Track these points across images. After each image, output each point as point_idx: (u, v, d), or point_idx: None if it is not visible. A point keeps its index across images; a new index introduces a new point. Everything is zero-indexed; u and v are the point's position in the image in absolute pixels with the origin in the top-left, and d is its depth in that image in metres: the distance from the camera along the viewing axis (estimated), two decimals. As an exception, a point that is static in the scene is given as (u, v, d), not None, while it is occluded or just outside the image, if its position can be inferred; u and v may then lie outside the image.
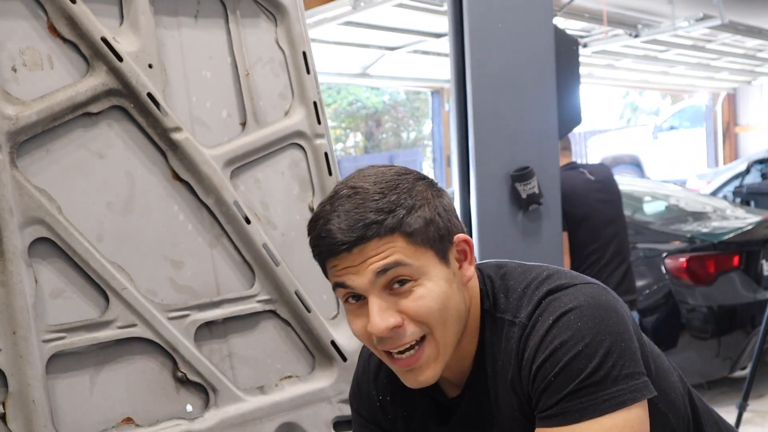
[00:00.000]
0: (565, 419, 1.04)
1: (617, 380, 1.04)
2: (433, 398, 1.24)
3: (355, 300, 1.11)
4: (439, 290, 1.09)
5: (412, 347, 1.10)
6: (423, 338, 1.11)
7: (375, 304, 1.08)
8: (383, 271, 1.06)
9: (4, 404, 1.53)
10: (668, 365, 1.23)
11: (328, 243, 1.07)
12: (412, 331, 1.09)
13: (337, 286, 1.11)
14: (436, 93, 10.98)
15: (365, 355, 1.34)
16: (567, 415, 1.04)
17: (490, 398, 1.16)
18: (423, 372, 1.12)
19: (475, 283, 1.18)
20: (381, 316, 1.07)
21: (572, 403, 1.04)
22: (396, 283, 1.08)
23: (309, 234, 1.13)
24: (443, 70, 9.00)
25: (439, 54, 8.27)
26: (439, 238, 1.10)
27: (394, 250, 1.07)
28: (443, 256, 1.11)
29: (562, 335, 1.06)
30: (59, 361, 1.60)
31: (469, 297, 1.16)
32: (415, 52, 8.16)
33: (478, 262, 1.26)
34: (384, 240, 1.06)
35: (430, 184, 1.14)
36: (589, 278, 1.15)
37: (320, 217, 1.10)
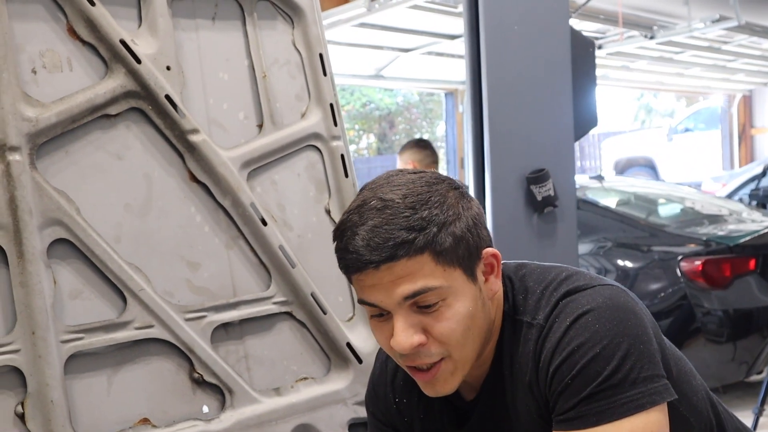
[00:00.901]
0: (582, 423, 1.03)
1: (635, 383, 1.03)
2: (449, 401, 1.24)
3: (379, 315, 1.10)
4: (465, 311, 1.08)
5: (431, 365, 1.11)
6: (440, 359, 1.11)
7: (400, 321, 1.07)
8: (412, 296, 1.05)
9: (23, 404, 1.55)
10: (690, 368, 1.22)
11: (355, 258, 1.05)
12: (434, 352, 1.09)
13: (362, 302, 1.10)
14: (450, 95, 10.95)
15: (382, 358, 1.34)
16: (584, 418, 1.03)
17: (507, 401, 1.15)
18: (441, 385, 1.12)
19: (500, 293, 1.17)
20: (406, 333, 1.07)
21: (590, 406, 1.03)
22: (422, 305, 1.07)
23: (334, 241, 1.10)
24: (457, 71, 8.99)
25: (453, 56, 8.26)
26: (468, 255, 1.09)
27: (422, 273, 1.05)
28: (471, 273, 1.10)
29: (579, 337, 1.05)
30: (77, 362, 1.61)
31: (495, 306, 1.15)
32: (429, 53, 8.15)
33: None
34: (413, 260, 1.04)
35: (462, 194, 1.12)
36: (608, 280, 1.14)
37: (347, 228, 1.07)
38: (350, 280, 1.12)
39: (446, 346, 1.08)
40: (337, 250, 1.09)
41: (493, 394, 1.18)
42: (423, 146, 4.28)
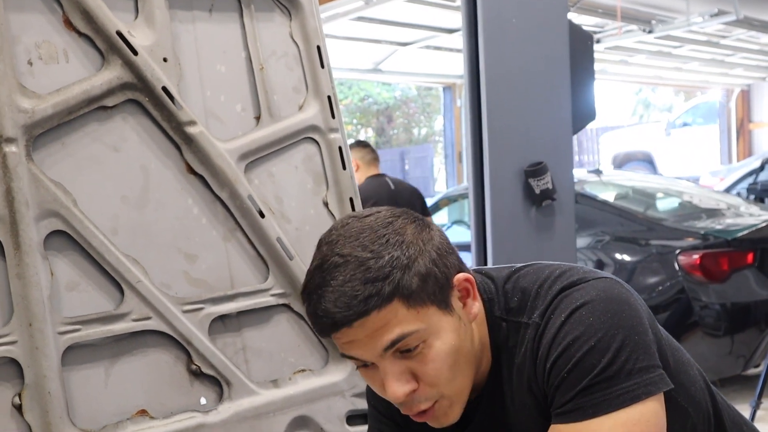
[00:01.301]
0: (579, 415, 1.04)
1: (631, 374, 1.03)
2: None
3: (365, 365, 1.09)
4: (448, 347, 1.07)
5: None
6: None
7: (388, 371, 1.06)
8: (390, 346, 1.04)
9: (20, 395, 1.55)
10: (688, 359, 1.22)
11: (326, 322, 1.04)
12: (426, 397, 1.08)
13: (344, 356, 1.09)
14: (448, 89, 10.96)
15: None
16: (581, 410, 1.03)
17: (506, 401, 1.15)
18: (442, 419, 1.12)
19: (482, 314, 1.16)
20: (397, 384, 1.06)
21: (586, 398, 1.03)
22: (405, 349, 1.06)
23: (304, 304, 1.09)
24: (455, 65, 8.99)
25: (451, 50, 8.26)
26: (439, 289, 1.07)
27: (396, 321, 1.03)
28: (446, 306, 1.08)
29: (574, 331, 1.05)
30: (74, 353, 1.61)
31: (478, 329, 1.15)
32: (427, 47, 8.15)
33: (489, 267, 1.26)
34: (384, 311, 1.02)
35: (420, 226, 1.09)
36: (602, 273, 1.14)
37: (312, 291, 1.05)
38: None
39: (437, 387, 1.08)
40: (308, 314, 1.08)
41: (492, 396, 1.17)
42: (363, 146, 4.79)
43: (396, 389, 1.06)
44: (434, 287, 1.06)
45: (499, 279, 1.19)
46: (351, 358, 1.08)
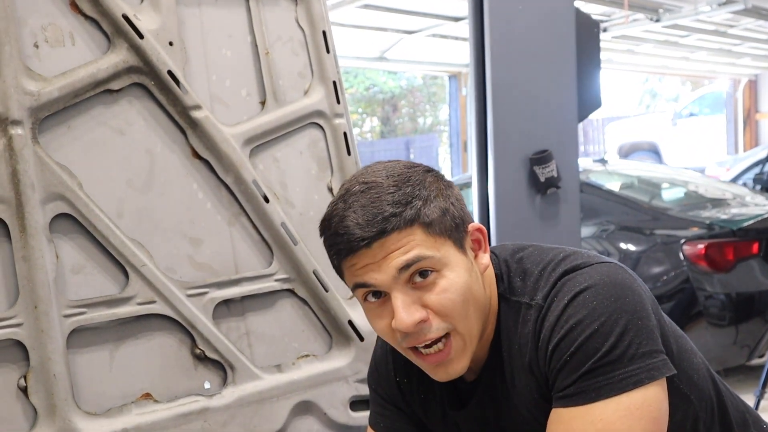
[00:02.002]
0: (581, 398, 1.04)
1: (634, 359, 1.03)
2: (450, 382, 1.23)
3: (375, 298, 1.10)
4: (461, 281, 1.08)
5: (437, 341, 1.10)
6: (447, 334, 1.10)
7: (399, 299, 1.07)
8: (406, 267, 1.05)
9: (25, 377, 1.55)
10: (691, 347, 1.21)
11: (346, 240, 1.05)
12: (437, 327, 1.08)
13: (356, 286, 1.09)
14: (454, 77, 10.93)
15: (381, 339, 1.34)
16: (583, 394, 1.03)
17: (507, 382, 1.15)
18: (452, 365, 1.11)
19: (491, 270, 1.17)
20: (407, 311, 1.06)
21: (589, 382, 1.03)
22: (418, 275, 1.07)
23: (323, 234, 1.11)
24: (461, 54, 8.95)
25: (457, 38, 8.23)
26: (455, 227, 1.10)
27: (414, 244, 1.05)
28: (461, 246, 1.10)
29: (577, 314, 1.05)
30: (79, 336, 1.61)
31: (487, 285, 1.15)
32: (433, 36, 8.12)
33: (494, 245, 1.26)
34: (404, 233, 1.05)
35: (438, 176, 1.14)
36: (605, 258, 1.14)
37: (334, 215, 1.08)
38: (341, 271, 1.12)
39: (448, 318, 1.08)
40: (327, 238, 1.10)
41: (492, 376, 1.17)
42: None
43: (406, 316, 1.06)
44: (451, 223, 1.09)
45: (503, 257, 1.20)
46: (363, 286, 1.08)
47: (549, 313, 1.08)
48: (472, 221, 1.15)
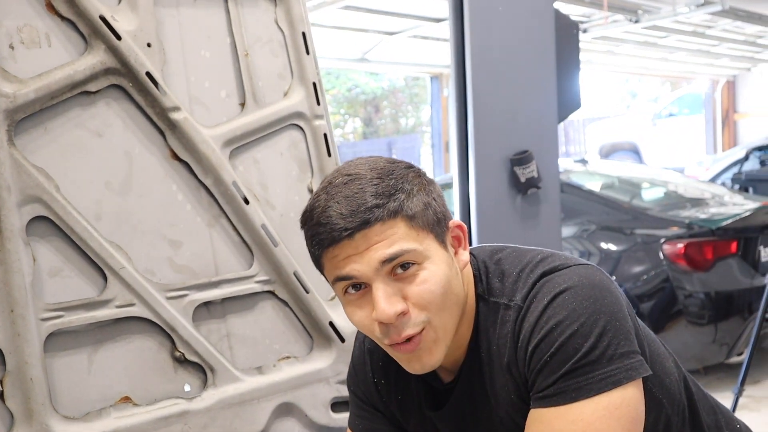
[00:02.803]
0: (561, 399, 1.04)
1: (612, 359, 1.04)
2: (427, 383, 1.24)
3: (355, 290, 1.09)
4: (442, 273, 1.08)
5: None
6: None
7: (381, 290, 1.06)
8: (389, 260, 1.05)
9: (2, 382, 1.54)
10: (663, 351, 1.23)
11: (328, 230, 1.05)
12: (415, 320, 1.08)
13: (337, 279, 1.08)
14: (435, 78, 10.94)
15: (360, 338, 1.34)
16: (563, 395, 1.04)
17: (485, 383, 1.16)
18: (425, 357, 1.11)
19: (469, 269, 1.18)
20: (388, 302, 1.06)
21: (568, 383, 1.04)
22: (399, 267, 1.07)
23: (304, 225, 1.10)
24: (442, 55, 8.97)
25: (438, 39, 8.24)
26: (437, 221, 1.10)
27: (397, 237, 1.05)
28: (442, 241, 1.11)
29: (557, 315, 1.06)
30: (57, 340, 1.60)
31: (465, 283, 1.16)
32: (415, 37, 8.13)
33: (473, 246, 1.26)
34: (387, 224, 1.05)
35: (420, 172, 1.14)
36: (583, 260, 1.15)
37: (316, 206, 1.08)
38: (320, 264, 1.11)
39: (427, 311, 1.08)
40: (308, 229, 1.09)
41: (470, 376, 1.18)
42: None
43: (387, 307, 1.06)
44: (433, 218, 1.10)
45: (481, 258, 1.20)
46: (344, 279, 1.08)
47: (528, 314, 1.09)
48: (452, 218, 1.16)
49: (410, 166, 1.14)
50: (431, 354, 1.11)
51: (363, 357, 1.32)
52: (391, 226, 1.06)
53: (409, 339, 1.09)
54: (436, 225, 1.10)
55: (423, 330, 1.09)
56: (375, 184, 1.06)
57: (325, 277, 1.13)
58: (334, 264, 1.08)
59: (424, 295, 1.07)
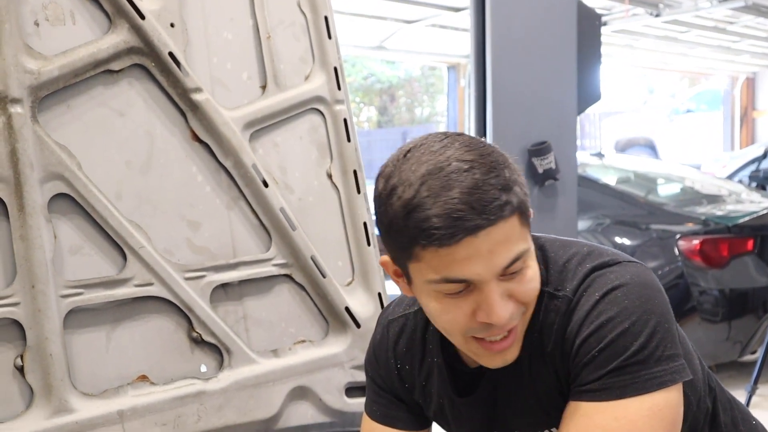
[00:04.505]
0: (606, 395, 1.03)
1: (660, 360, 1.03)
2: (453, 368, 1.21)
3: (457, 291, 1.01)
4: (536, 268, 1.05)
5: None
6: None
7: (496, 293, 1.00)
8: (510, 263, 0.99)
9: (22, 357, 1.55)
10: (692, 349, 1.22)
11: (448, 224, 0.94)
12: (517, 316, 1.05)
13: (444, 281, 0.99)
14: (453, 68, 10.91)
15: (383, 323, 1.31)
16: (608, 391, 1.03)
17: (522, 369, 1.13)
18: (511, 351, 1.08)
19: None
20: (504, 305, 1.01)
21: (614, 379, 1.03)
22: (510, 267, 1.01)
23: (402, 218, 0.97)
24: (460, 45, 8.94)
25: (456, 29, 8.21)
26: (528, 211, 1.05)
27: (515, 237, 0.98)
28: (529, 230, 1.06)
29: (608, 311, 1.04)
30: (76, 317, 1.61)
31: None
32: (433, 26, 8.10)
33: None
34: (508, 223, 0.96)
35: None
36: (630, 257, 1.13)
37: (428, 197, 0.95)
38: (412, 256, 0.99)
39: (525, 307, 1.05)
40: (418, 222, 0.95)
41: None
42: None
43: (503, 312, 1.00)
44: (528, 210, 1.03)
45: None
46: (456, 281, 0.99)
47: (578, 307, 1.07)
48: None
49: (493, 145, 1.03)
50: (515, 347, 1.08)
51: (386, 343, 1.29)
52: (511, 224, 0.97)
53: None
54: (529, 218, 1.03)
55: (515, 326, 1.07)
56: (495, 175, 0.96)
57: (411, 275, 1.03)
58: (445, 263, 0.97)
59: (529, 294, 1.04)
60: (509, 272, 1.01)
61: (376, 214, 1.04)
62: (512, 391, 1.16)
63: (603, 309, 1.05)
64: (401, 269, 1.05)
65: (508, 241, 0.97)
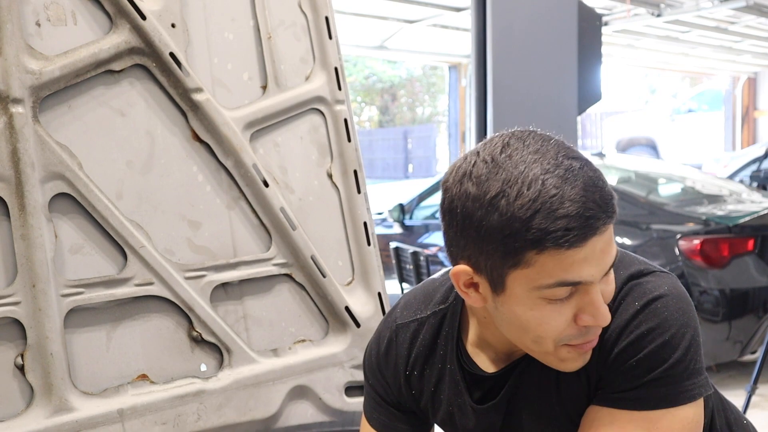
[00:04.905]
0: (639, 404, 1.04)
1: (692, 374, 1.04)
2: (469, 373, 1.19)
3: (565, 295, 0.99)
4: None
5: None
6: None
7: (598, 297, 1.00)
8: (612, 263, 1.01)
9: (22, 356, 1.56)
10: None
11: (584, 221, 0.92)
12: None
13: (560, 284, 0.96)
14: (454, 68, 10.91)
15: (391, 328, 1.27)
16: (643, 401, 1.04)
17: (550, 375, 1.12)
18: (587, 354, 1.07)
19: None
20: (605, 306, 1.01)
21: (650, 390, 1.04)
22: None
23: (533, 217, 0.92)
24: (461, 44, 8.94)
25: (457, 29, 8.21)
26: None
27: (611, 239, 0.98)
28: None
29: (649, 322, 1.05)
30: (77, 316, 1.61)
31: None
32: (434, 26, 8.10)
33: None
34: (612, 221, 0.97)
35: None
36: (657, 265, 1.13)
37: (555, 196, 0.92)
38: (524, 262, 0.95)
39: None
40: (539, 226, 0.91)
41: (530, 368, 1.13)
42: None
43: (607, 311, 1.01)
44: None
45: None
46: (571, 284, 0.96)
47: (618, 315, 1.06)
48: None
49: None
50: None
51: (395, 349, 1.25)
52: (611, 225, 0.97)
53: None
54: None
55: None
56: (594, 169, 0.96)
57: (497, 279, 0.99)
58: (564, 266, 0.94)
59: (612, 294, 1.05)
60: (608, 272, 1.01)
61: (465, 222, 0.98)
62: (535, 397, 1.14)
63: (643, 319, 1.05)
64: (492, 278, 1.00)
65: (612, 240, 0.98)
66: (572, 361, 1.05)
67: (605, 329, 1.06)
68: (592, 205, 0.92)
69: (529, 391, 1.14)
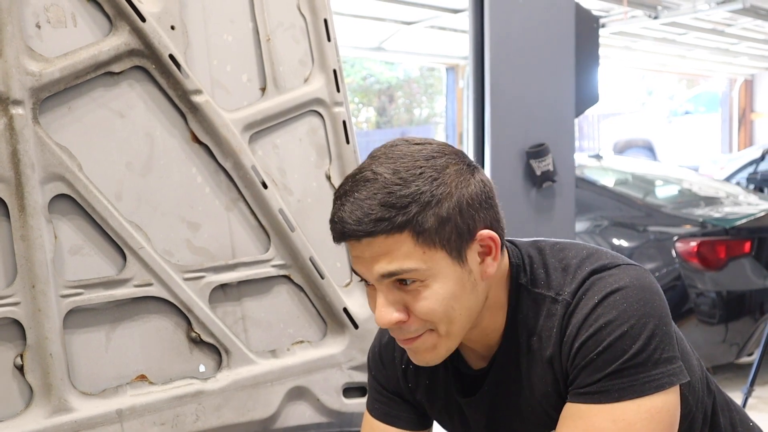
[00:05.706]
0: (604, 397, 1.05)
1: (658, 363, 1.04)
2: (457, 369, 1.24)
3: (367, 283, 1.10)
4: (445, 293, 1.06)
5: None
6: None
7: (381, 297, 1.07)
8: (388, 275, 1.05)
9: (22, 356, 1.56)
10: (689, 348, 1.22)
11: (338, 228, 1.05)
12: (416, 328, 1.08)
13: (353, 270, 1.12)
14: (451, 69, 10.92)
15: None
16: (606, 393, 1.05)
17: (521, 371, 1.15)
18: (428, 354, 1.12)
19: (503, 267, 1.14)
20: (386, 310, 1.07)
21: (613, 382, 1.04)
22: (401, 281, 1.06)
23: (334, 207, 1.10)
24: (459, 46, 8.95)
25: (455, 30, 8.22)
26: (457, 236, 1.05)
27: (400, 253, 1.03)
28: (458, 255, 1.06)
29: (607, 314, 1.06)
30: (76, 317, 1.62)
31: (496, 281, 1.14)
32: (432, 27, 8.11)
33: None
34: (392, 238, 1.02)
35: (461, 170, 1.06)
36: (628, 259, 1.14)
37: (340, 196, 1.07)
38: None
39: (428, 323, 1.08)
40: (330, 216, 1.09)
41: (505, 364, 1.17)
42: None
43: (383, 315, 1.07)
44: (450, 234, 1.05)
45: (523, 247, 1.19)
46: (356, 273, 1.10)
47: (577, 311, 1.08)
48: (489, 225, 1.08)
49: (455, 162, 1.07)
50: (427, 354, 1.12)
51: (393, 343, 1.30)
52: (396, 240, 1.02)
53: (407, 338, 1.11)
54: (454, 241, 1.05)
55: (425, 333, 1.10)
56: (390, 192, 1.02)
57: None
58: (351, 254, 1.09)
59: (424, 311, 1.06)
60: (399, 283, 1.06)
61: None
62: (512, 392, 1.17)
63: (601, 312, 1.06)
64: None
65: (389, 255, 1.04)
66: (411, 355, 1.14)
67: (567, 325, 1.09)
68: (345, 215, 1.04)
69: (507, 386, 1.18)
